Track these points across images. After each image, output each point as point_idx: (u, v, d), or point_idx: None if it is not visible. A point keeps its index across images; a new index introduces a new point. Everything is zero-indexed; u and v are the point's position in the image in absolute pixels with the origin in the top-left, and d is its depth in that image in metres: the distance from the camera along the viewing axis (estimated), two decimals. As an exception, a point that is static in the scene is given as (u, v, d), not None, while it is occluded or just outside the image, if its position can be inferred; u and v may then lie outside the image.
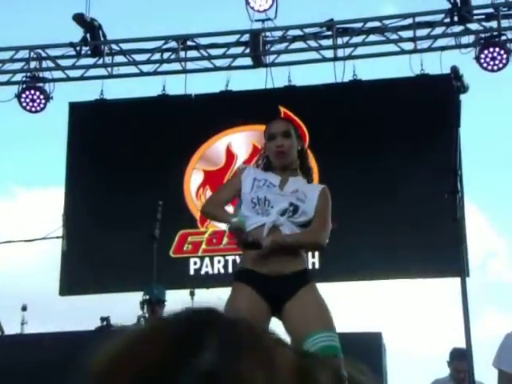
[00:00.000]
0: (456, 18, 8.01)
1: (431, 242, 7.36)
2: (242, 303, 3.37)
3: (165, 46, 8.68)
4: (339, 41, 8.34)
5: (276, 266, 3.41)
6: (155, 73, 8.74)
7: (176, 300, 7.02)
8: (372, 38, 8.33)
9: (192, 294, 6.88)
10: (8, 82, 8.85)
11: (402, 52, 8.22)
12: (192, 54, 8.67)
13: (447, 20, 8.10)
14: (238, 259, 7.54)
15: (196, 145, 8.38)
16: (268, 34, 8.50)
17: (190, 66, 8.64)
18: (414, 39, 8.16)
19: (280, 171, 3.64)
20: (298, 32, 8.48)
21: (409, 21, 8.24)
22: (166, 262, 7.44)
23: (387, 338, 6.38)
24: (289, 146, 3.62)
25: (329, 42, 8.37)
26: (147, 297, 6.41)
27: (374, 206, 7.83)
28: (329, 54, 8.38)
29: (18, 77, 8.81)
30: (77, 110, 8.80)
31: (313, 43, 8.42)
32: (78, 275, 8.09)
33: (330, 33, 8.35)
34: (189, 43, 8.65)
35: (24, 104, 8.67)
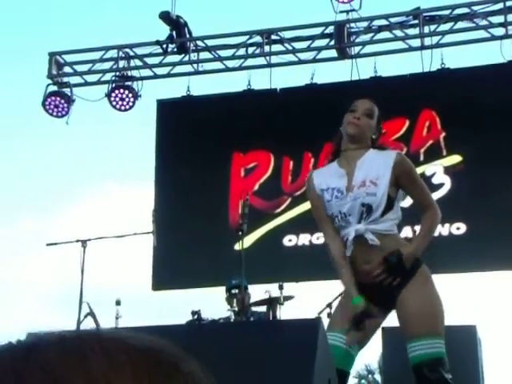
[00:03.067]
0: (549, 1, 7.74)
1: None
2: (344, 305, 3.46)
3: (249, 41, 8.70)
4: (426, 29, 8.18)
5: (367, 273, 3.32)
6: (240, 68, 8.77)
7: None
8: (460, 24, 8.14)
9: (281, 287, 6.86)
10: (98, 82, 9.07)
11: (492, 38, 7.99)
12: (276, 47, 8.66)
13: (540, 3, 7.83)
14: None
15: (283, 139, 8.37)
16: (353, 25, 8.40)
17: (274, 59, 8.64)
18: (504, 24, 7.92)
19: (347, 152, 3.41)
20: (383, 22, 8.36)
21: (499, 5, 8.00)
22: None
23: (482, 331, 6.23)
24: (366, 123, 3.42)
25: (415, 31, 8.21)
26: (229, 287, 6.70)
27: (471, 197, 7.65)
28: (415, 43, 8.22)
29: (108, 76, 9.01)
30: (164, 107, 8.93)
31: (399, 33, 8.28)
32: (170, 270, 8.21)
33: (416, 21, 8.19)
34: (273, 37, 8.64)
35: (114, 103, 8.85)
